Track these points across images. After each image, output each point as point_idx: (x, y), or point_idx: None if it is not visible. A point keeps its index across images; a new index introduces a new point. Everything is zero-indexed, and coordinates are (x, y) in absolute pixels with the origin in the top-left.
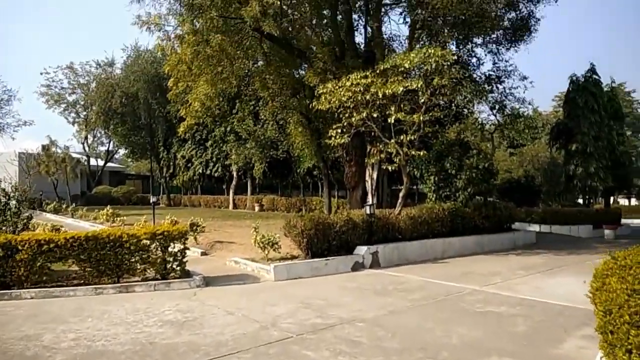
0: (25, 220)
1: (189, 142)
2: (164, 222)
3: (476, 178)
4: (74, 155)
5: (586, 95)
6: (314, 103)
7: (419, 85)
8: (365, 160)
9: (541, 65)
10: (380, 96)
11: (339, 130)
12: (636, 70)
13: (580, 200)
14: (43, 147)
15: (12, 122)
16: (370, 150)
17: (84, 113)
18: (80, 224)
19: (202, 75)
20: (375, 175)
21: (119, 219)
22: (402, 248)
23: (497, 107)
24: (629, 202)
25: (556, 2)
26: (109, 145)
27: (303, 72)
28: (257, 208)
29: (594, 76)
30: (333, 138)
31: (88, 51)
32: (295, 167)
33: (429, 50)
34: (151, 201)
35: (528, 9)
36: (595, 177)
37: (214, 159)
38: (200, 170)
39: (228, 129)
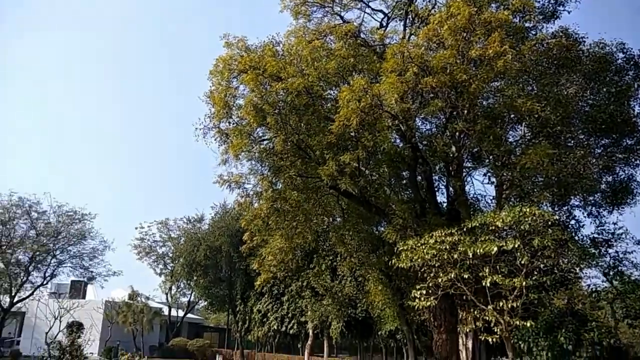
0: None
1: (266, 295)
2: None
3: (600, 357)
4: (156, 305)
5: None
6: (393, 260)
7: (516, 246)
8: (458, 328)
9: None
10: (470, 255)
11: (424, 292)
12: None
13: None
14: (129, 296)
15: (103, 272)
16: (463, 316)
17: (171, 265)
18: None
19: (277, 230)
20: (470, 345)
21: None
22: None
23: (611, 273)
24: None
25: None
26: (190, 297)
27: (382, 229)
28: None
29: None
30: (417, 300)
31: (182, 209)
32: (375, 328)
33: (524, 209)
34: None
35: (626, 172)
36: None
37: (290, 315)
38: (276, 326)
39: (304, 283)
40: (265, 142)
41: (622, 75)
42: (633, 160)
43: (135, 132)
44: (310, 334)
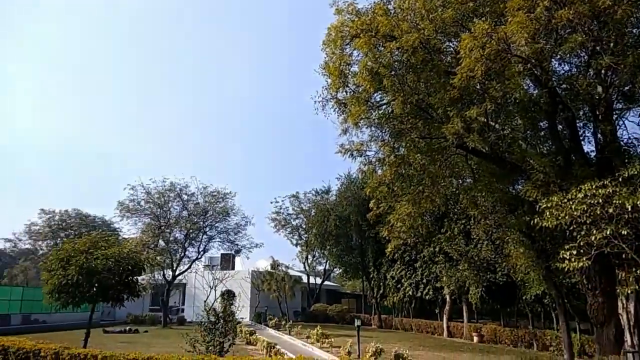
0: (231, 342)
1: (398, 262)
2: (368, 349)
3: None
4: (295, 274)
5: None
6: (536, 220)
7: None
8: (617, 290)
9: None
10: (629, 208)
11: (574, 252)
12: None
13: None
14: (271, 265)
15: (247, 244)
16: (623, 277)
17: (305, 235)
18: (295, 342)
19: (403, 196)
20: (632, 308)
21: (327, 340)
22: None
23: None
24: None
25: None
26: (325, 265)
27: (519, 187)
28: (475, 338)
29: None
30: (567, 261)
31: (311, 182)
32: (519, 293)
33: None
34: (356, 324)
35: None
36: None
37: (424, 281)
38: (410, 292)
39: (437, 249)
40: (383, 107)
41: None
42: None
43: (265, 111)
44: (448, 299)
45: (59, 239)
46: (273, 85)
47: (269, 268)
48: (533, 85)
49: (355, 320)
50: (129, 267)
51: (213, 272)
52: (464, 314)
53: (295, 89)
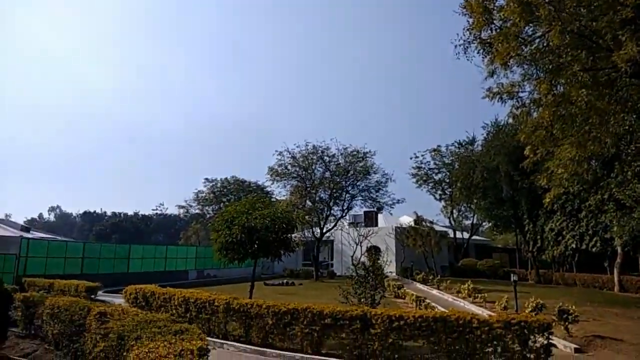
0: (381, 294)
1: (558, 213)
2: (527, 304)
3: None
4: (440, 229)
5: None
6: None
7: None
8: None
9: None
10: None
11: None
12: None
13: None
14: (415, 221)
15: (389, 201)
16: None
17: (449, 190)
18: (444, 297)
19: (565, 139)
20: None
21: (480, 295)
22: None
23: None
24: None
25: None
26: (473, 219)
27: None
28: None
29: None
30: None
31: (453, 134)
32: None
33: None
34: (512, 279)
35: None
36: None
37: (590, 232)
38: (574, 245)
39: (606, 196)
40: (537, 41)
41: None
42: None
43: (395, 63)
44: (619, 251)
45: (222, 204)
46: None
47: (412, 224)
48: None
49: (512, 275)
50: (284, 225)
51: (358, 229)
52: None
53: (431, 37)
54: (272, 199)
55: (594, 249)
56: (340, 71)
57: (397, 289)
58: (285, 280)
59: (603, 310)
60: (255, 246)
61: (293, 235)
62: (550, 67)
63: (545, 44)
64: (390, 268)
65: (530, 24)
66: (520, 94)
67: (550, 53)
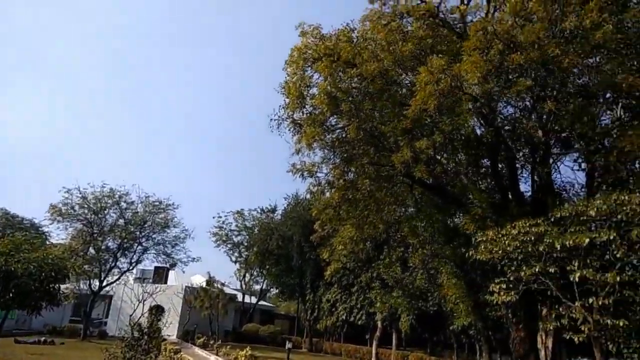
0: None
1: (335, 285)
2: None
3: None
4: (231, 291)
5: None
6: (470, 252)
7: (611, 237)
8: (538, 325)
9: None
10: (558, 248)
11: (504, 286)
12: None
13: None
14: (207, 282)
15: (183, 258)
16: (545, 313)
17: (246, 253)
18: None
19: (348, 220)
20: (550, 344)
21: None
22: None
23: None
24: None
25: None
26: (262, 285)
27: (457, 220)
28: None
29: None
30: (495, 294)
31: (257, 200)
32: (447, 323)
33: (621, 197)
34: (287, 347)
35: None
36: None
37: (359, 306)
38: (344, 317)
39: (374, 274)
40: (338, 131)
41: None
42: None
43: (214, 127)
44: (379, 325)
45: None
46: (226, 103)
47: (204, 284)
48: (479, 123)
49: (287, 342)
50: (52, 273)
51: (144, 285)
52: (393, 341)
53: (256, 104)
54: (47, 242)
55: (359, 322)
56: (156, 117)
57: (174, 353)
58: (43, 338)
59: None
60: (11, 295)
61: (63, 286)
62: (345, 155)
63: (344, 135)
64: (171, 330)
65: (335, 115)
66: (318, 174)
67: (346, 144)
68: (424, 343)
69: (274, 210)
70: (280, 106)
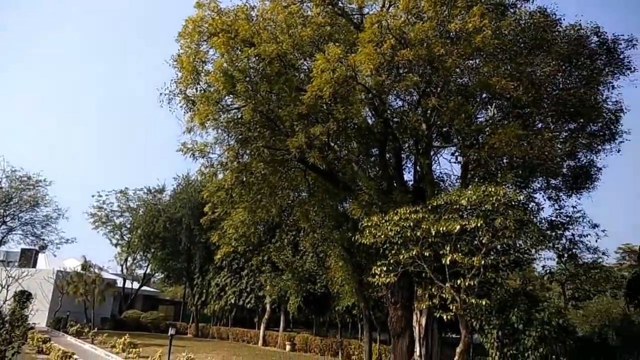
0: (15, 350)
1: (225, 269)
2: (179, 358)
3: (549, 336)
4: (110, 276)
5: None
6: (356, 236)
7: (479, 225)
8: (414, 305)
9: (601, 214)
10: (433, 233)
11: (384, 268)
12: None
13: None
14: (82, 266)
15: (55, 240)
16: (420, 294)
17: (128, 236)
18: (97, 352)
19: (241, 203)
20: (424, 322)
21: (134, 350)
22: None
23: (565, 255)
24: None
25: (619, 152)
26: (146, 269)
27: (347, 205)
28: (288, 347)
29: None
30: (377, 276)
31: (144, 179)
32: (333, 304)
33: (489, 188)
34: (169, 333)
35: (588, 158)
36: None
37: (248, 289)
38: (233, 300)
39: (265, 258)
40: (233, 111)
41: (594, 59)
42: (595, 146)
43: (98, 98)
44: (268, 308)
45: None
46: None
47: (79, 268)
48: (371, 114)
49: (170, 328)
50: None
51: (8, 269)
52: (281, 323)
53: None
54: None
55: (248, 305)
56: (25, 82)
57: (42, 342)
58: None
59: None
60: None
61: None
62: (240, 137)
63: (239, 116)
64: (39, 318)
65: (231, 95)
66: (211, 155)
67: (242, 125)
68: (311, 324)
69: (162, 190)
70: (172, 80)
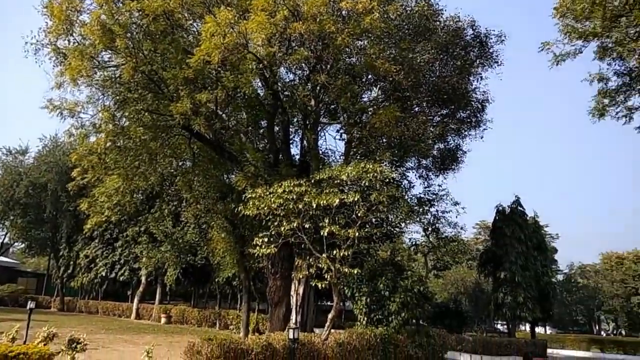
0: None
1: (97, 240)
2: (38, 334)
3: (411, 302)
4: None
5: (513, 225)
6: (240, 208)
7: (356, 199)
8: (293, 274)
9: (463, 193)
10: (314, 206)
11: (266, 239)
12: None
13: (501, 327)
14: None
15: None
16: (299, 264)
17: None
18: None
19: (116, 169)
20: (301, 291)
21: None
22: None
23: (429, 229)
24: (545, 330)
25: (482, 138)
26: (4, 238)
27: (233, 177)
28: (163, 320)
29: (519, 208)
30: (258, 247)
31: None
32: (214, 276)
33: (367, 165)
34: (28, 307)
35: (456, 141)
36: (524, 306)
37: (122, 261)
38: (104, 273)
39: (142, 228)
40: (111, 69)
41: (468, 51)
42: (463, 131)
43: None
44: (143, 280)
45: None
46: None
47: None
48: (262, 85)
49: (29, 302)
50: None
51: None
52: (157, 295)
53: None
54: None
55: (122, 278)
56: None
57: None
58: None
59: (115, 338)
60: None
61: None
62: (118, 98)
63: (118, 75)
64: None
65: (109, 51)
66: (82, 115)
67: (120, 85)
68: (190, 296)
69: (24, 152)
70: (40, 28)
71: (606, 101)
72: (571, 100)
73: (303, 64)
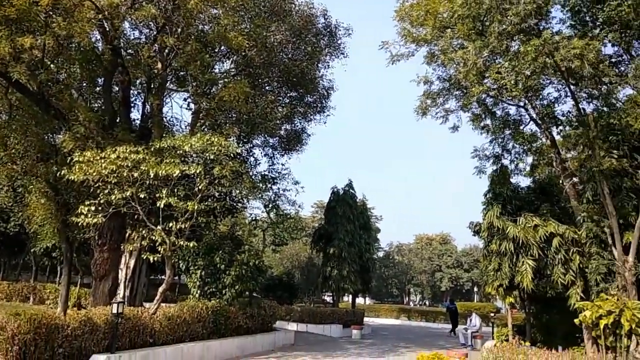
0: None
1: None
2: None
3: (246, 275)
4: None
5: (344, 206)
6: (65, 172)
7: (198, 172)
8: (123, 246)
9: (303, 173)
10: (152, 176)
11: (93, 208)
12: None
13: (328, 298)
14: None
15: None
16: (131, 236)
17: None
18: None
19: None
20: (132, 264)
21: None
22: (153, 355)
23: (270, 206)
24: (365, 301)
25: (325, 124)
26: None
27: (59, 137)
28: None
29: (351, 190)
30: (83, 216)
31: None
32: (30, 245)
33: (212, 138)
34: None
35: (302, 124)
36: (347, 279)
37: None
38: None
39: None
40: None
41: (319, 38)
42: (309, 115)
43: None
44: None
45: None
46: None
47: None
48: (101, 38)
49: None
50: None
51: None
52: None
53: None
54: None
55: None
56: None
57: None
58: None
59: None
60: None
61: None
62: None
63: None
64: None
65: None
66: None
67: None
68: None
69: None
70: None
71: (429, 102)
72: (405, 100)
73: (151, 23)
